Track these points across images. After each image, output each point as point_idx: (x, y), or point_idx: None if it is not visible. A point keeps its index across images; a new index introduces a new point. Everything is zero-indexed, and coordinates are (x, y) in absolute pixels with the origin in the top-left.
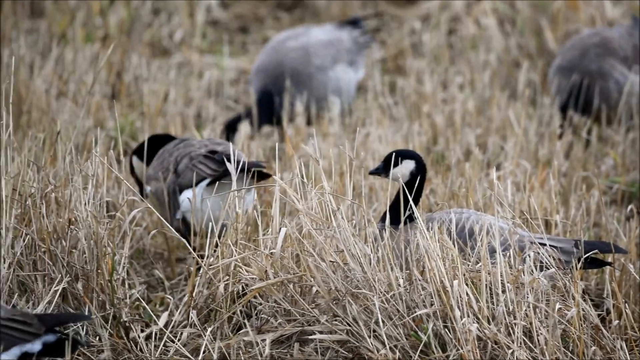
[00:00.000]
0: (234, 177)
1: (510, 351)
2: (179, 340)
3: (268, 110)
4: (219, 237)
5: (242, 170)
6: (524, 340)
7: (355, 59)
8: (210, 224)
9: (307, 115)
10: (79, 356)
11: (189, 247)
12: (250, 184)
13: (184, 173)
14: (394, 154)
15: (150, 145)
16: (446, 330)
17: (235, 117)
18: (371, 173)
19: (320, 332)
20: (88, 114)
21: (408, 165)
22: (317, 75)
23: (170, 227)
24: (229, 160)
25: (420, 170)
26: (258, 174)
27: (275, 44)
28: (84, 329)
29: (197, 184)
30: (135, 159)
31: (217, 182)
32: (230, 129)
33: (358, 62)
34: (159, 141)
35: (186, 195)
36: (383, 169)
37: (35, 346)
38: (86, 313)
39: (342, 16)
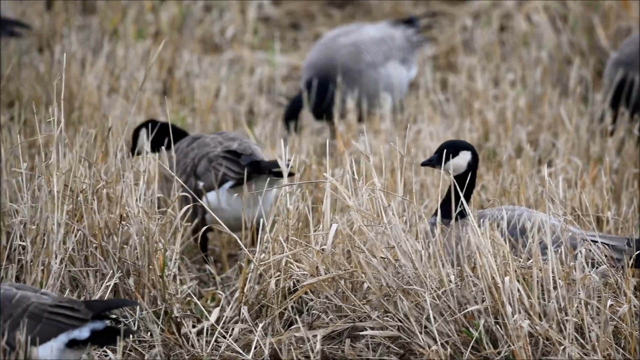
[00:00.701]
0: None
1: (562, 348)
2: (230, 335)
3: (320, 95)
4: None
5: (263, 171)
6: (575, 336)
7: (407, 57)
8: (262, 220)
9: (359, 112)
10: (131, 352)
11: (240, 243)
12: (271, 182)
13: (205, 175)
14: (449, 145)
15: (153, 128)
16: (497, 326)
17: (292, 105)
18: (424, 164)
19: (372, 328)
20: (139, 110)
21: (465, 157)
22: (368, 71)
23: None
24: (252, 162)
25: (475, 162)
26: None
27: (327, 40)
28: (136, 325)
29: (219, 186)
30: (142, 133)
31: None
32: (291, 118)
33: (410, 61)
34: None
35: (209, 198)
36: (437, 160)
37: (83, 333)
38: (138, 310)
39: (394, 13)
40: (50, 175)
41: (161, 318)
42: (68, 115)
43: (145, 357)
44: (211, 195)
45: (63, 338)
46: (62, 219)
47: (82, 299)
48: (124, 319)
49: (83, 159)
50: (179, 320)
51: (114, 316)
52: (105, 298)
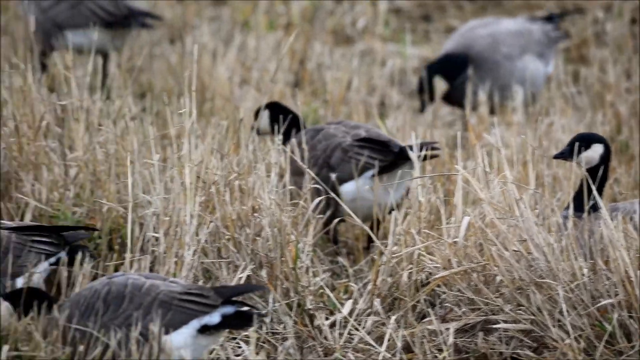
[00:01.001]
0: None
1: None
2: (363, 328)
3: (452, 75)
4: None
5: (407, 157)
6: None
7: (545, 52)
8: (394, 213)
9: (490, 104)
10: (264, 343)
11: (372, 235)
12: (403, 174)
13: (341, 166)
14: (581, 137)
15: (273, 112)
16: (631, 320)
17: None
18: (556, 157)
19: (505, 322)
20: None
21: (597, 149)
22: (504, 63)
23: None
24: (403, 147)
25: (608, 155)
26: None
27: (464, 31)
28: (269, 317)
29: (360, 175)
30: (266, 115)
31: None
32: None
33: (548, 56)
34: (281, 111)
35: (345, 189)
36: (569, 153)
37: (214, 318)
38: (270, 301)
39: (525, 6)
40: (183, 167)
41: (294, 310)
42: (200, 106)
43: (278, 349)
44: (348, 186)
45: (195, 324)
46: (194, 210)
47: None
48: (256, 312)
49: (215, 150)
50: (311, 312)
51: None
52: None
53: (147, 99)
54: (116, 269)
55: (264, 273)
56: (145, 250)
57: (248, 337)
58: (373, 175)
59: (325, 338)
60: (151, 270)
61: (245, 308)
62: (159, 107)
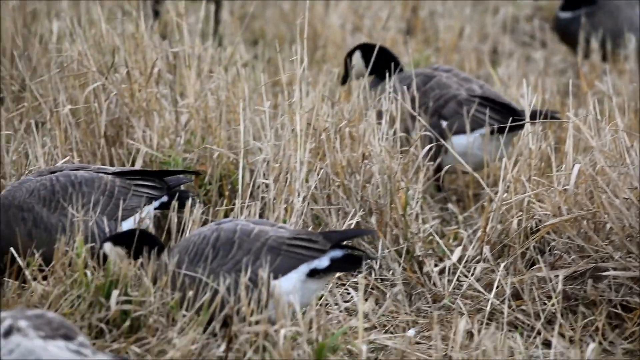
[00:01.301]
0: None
1: None
2: (472, 275)
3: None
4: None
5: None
6: None
7: None
8: (504, 160)
9: (603, 52)
10: (373, 290)
11: (482, 182)
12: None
13: (454, 118)
14: None
15: (365, 53)
16: None
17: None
18: None
19: (614, 269)
20: None
21: None
22: (625, 8)
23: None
24: (521, 114)
25: None
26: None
27: None
28: (378, 264)
29: (473, 131)
30: (358, 55)
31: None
32: None
33: None
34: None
35: (456, 140)
36: None
37: (323, 262)
38: (379, 248)
39: None
40: (293, 114)
41: (403, 257)
42: (311, 54)
43: (387, 296)
44: (459, 139)
45: (304, 269)
46: (304, 157)
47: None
48: (365, 255)
49: (326, 97)
50: (420, 259)
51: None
52: None
53: (259, 46)
54: (226, 215)
55: (373, 220)
56: (255, 196)
57: (357, 284)
58: (491, 133)
59: (434, 285)
60: (261, 216)
61: (354, 252)
62: (271, 54)
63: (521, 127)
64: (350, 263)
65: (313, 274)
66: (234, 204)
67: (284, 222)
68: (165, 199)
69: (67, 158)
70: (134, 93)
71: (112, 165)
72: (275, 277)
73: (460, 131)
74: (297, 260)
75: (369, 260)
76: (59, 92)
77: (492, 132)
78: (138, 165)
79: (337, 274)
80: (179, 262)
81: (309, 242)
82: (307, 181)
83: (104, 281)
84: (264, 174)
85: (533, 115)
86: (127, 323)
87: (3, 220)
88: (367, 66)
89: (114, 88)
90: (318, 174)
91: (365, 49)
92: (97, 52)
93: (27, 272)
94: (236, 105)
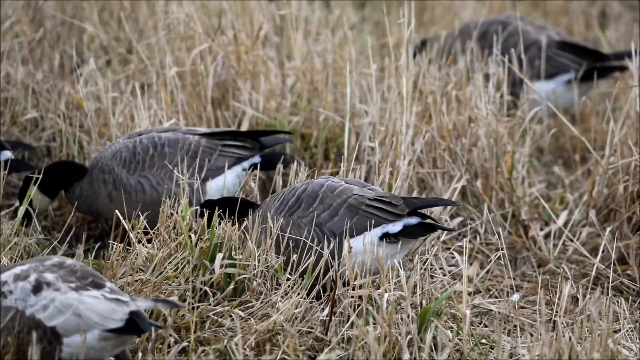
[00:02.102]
0: None
1: None
2: (577, 239)
3: None
4: None
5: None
6: None
7: None
8: (611, 123)
9: None
10: (477, 254)
11: (588, 146)
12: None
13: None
14: None
15: None
16: None
17: None
18: None
19: None
20: (489, 11)
21: None
22: None
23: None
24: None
25: None
26: None
27: None
28: (483, 227)
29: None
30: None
31: None
32: None
33: None
34: None
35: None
36: None
37: (396, 227)
38: (485, 211)
39: None
40: (400, 77)
41: (508, 221)
42: (419, 16)
43: (490, 259)
44: (541, 84)
45: (377, 231)
46: (410, 120)
47: None
48: (439, 225)
49: (433, 60)
50: (526, 223)
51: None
52: (454, 199)
53: (366, 8)
54: None
55: (478, 183)
56: (360, 159)
57: (461, 248)
58: (569, 81)
59: (539, 249)
60: (366, 180)
61: (429, 221)
62: (378, 17)
63: (609, 71)
64: (422, 231)
65: (385, 237)
66: (340, 167)
67: (389, 185)
68: (257, 159)
69: (173, 120)
70: (240, 55)
71: (217, 127)
72: (350, 236)
73: (543, 76)
74: (373, 222)
75: (437, 231)
76: (166, 55)
77: (578, 78)
78: (244, 128)
79: (415, 241)
80: (265, 210)
81: (389, 205)
82: (412, 144)
83: (209, 244)
84: (369, 137)
85: (619, 56)
86: (231, 286)
87: (87, 181)
88: None
89: (220, 50)
90: (424, 137)
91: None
92: (204, 14)
93: (131, 235)
94: (343, 68)
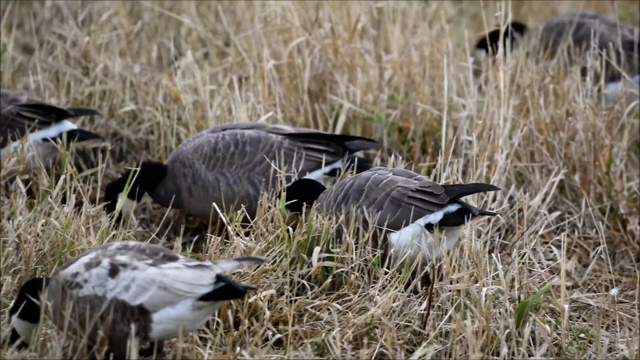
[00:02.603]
0: None
1: None
2: None
3: None
4: None
5: None
6: None
7: None
8: None
9: None
10: (576, 248)
11: None
12: None
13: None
14: None
15: None
16: None
17: None
18: None
19: None
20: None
21: None
22: None
23: None
24: None
25: None
26: None
27: None
28: (581, 221)
29: None
30: None
31: None
32: None
33: None
34: None
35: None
36: None
37: (437, 216)
38: (582, 206)
39: None
40: (497, 70)
41: (606, 215)
42: (516, 9)
43: (590, 254)
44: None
45: (420, 222)
46: (508, 113)
47: (527, 194)
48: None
49: (530, 54)
50: (624, 217)
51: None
52: (551, 193)
53: (463, 2)
54: (429, 172)
55: (576, 177)
56: (458, 153)
57: (559, 242)
58: None
59: (638, 243)
60: (463, 173)
61: (468, 207)
62: (476, 10)
63: None
64: (463, 218)
65: (428, 227)
66: (437, 161)
67: (487, 179)
68: (339, 164)
69: (270, 114)
70: (337, 48)
71: (314, 120)
72: (394, 228)
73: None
74: (415, 213)
75: (479, 216)
76: (263, 47)
77: None
78: (341, 122)
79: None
80: (320, 206)
81: (430, 195)
82: (510, 138)
83: (306, 238)
84: (467, 131)
85: None
86: (329, 280)
87: (169, 176)
88: None
89: (317, 43)
90: (521, 131)
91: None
92: (301, 7)
93: (229, 228)
94: (440, 61)
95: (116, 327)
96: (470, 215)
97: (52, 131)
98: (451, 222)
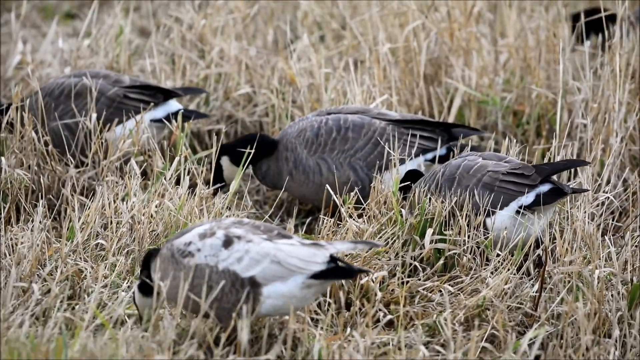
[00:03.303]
0: None
1: None
2: None
3: None
4: None
5: None
6: None
7: None
8: None
9: None
10: None
11: None
12: None
13: None
14: None
15: None
16: None
17: None
18: None
19: None
20: None
21: None
22: None
23: None
24: None
25: None
26: None
27: None
28: None
29: None
30: None
31: None
32: None
33: None
34: None
35: None
36: None
37: (529, 198)
38: None
39: None
40: (613, 54)
41: None
42: None
43: None
44: None
45: (513, 205)
46: (624, 97)
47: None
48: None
49: None
50: None
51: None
52: None
53: None
54: (542, 155)
55: None
56: (572, 136)
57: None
58: None
59: None
60: (578, 156)
61: (560, 185)
62: None
63: None
64: (555, 196)
65: (521, 209)
66: (551, 144)
67: (601, 162)
68: (443, 151)
69: (385, 97)
70: (453, 32)
71: (429, 104)
72: (488, 214)
73: None
74: (508, 196)
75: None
76: (379, 31)
77: None
78: (456, 105)
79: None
80: (419, 192)
81: (521, 177)
82: (625, 121)
83: (419, 220)
84: (582, 114)
85: None
86: (441, 262)
87: (274, 157)
88: None
89: (433, 27)
90: (637, 115)
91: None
92: None
93: (342, 210)
94: (556, 45)
95: (224, 298)
96: (562, 194)
97: (159, 112)
98: (544, 201)
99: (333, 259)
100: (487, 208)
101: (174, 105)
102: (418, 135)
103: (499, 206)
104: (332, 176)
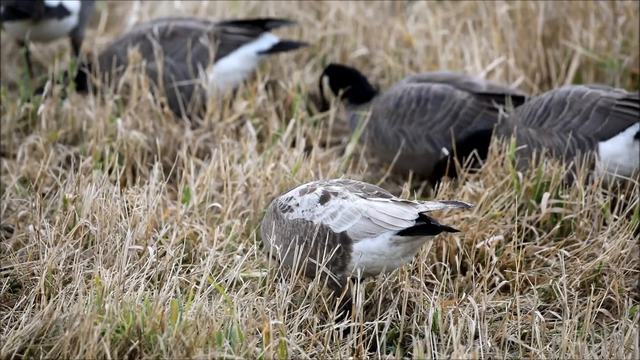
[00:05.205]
0: None
1: None
2: None
3: None
4: None
5: None
6: None
7: None
8: None
9: None
10: None
11: None
12: None
13: None
14: None
15: None
16: None
17: None
18: None
19: None
20: None
21: None
22: None
23: None
24: None
25: None
26: None
27: None
28: None
29: None
30: None
31: None
32: None
33: None
34: None
35: None
36: None
37: None
38: None
39: None
40: None
41: None
42: None
43: None
44: None
45: (631, 131)
46: None
47: None
48: None
49: None
50: None
51: None
52: None
53: None
54: None
55: None
56: None
57: None
58: None
59: None
60: None
61: None
62: None
63: None
64: None
65: (637, 137)
66: None
67: None
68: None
69: (502, 59)
70: None
71: (547, 67)
72: (602, 139)
73: None
74: (625, 121)
75: None
76: None
77: None
78: (573, 68)
79: None
80: (510, 125)
81: (638, 103)
82: None
83: (535, 184)
84: None
85: None
86: (557, 226)
87: (373, 124)
88: None
89: None
90: None
91: None
92: None
93: (459, 174)
94: None
95: (317, 252)
96: None
97: (264, 43)
98: None
99: (425, 218)
100: (601, 132)
101: (271, 38)
102: (497, 110)
103: (614, 132)
104: (412, 149)
